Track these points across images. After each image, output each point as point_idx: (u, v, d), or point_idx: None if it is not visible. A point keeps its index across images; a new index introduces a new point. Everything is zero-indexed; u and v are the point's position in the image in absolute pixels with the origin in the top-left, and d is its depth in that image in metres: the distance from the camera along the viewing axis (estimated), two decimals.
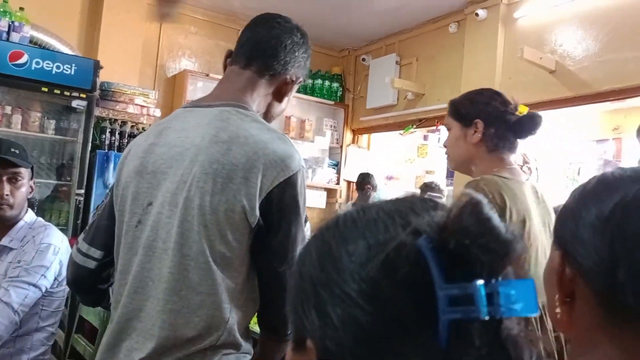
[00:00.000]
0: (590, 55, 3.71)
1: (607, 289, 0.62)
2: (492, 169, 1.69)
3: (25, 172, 2.05)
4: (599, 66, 3.65)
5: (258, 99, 1.32)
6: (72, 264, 1.33)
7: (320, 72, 5.78)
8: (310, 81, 5.70)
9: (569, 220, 0.69)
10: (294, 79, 1.35)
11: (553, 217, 1.71)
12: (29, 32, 3.98)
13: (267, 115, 1.36)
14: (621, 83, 3.51)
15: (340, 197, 5.92)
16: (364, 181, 5.21)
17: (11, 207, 2.01)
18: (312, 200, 5.67)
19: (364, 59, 5.70)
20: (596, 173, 0.73)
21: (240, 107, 1.26)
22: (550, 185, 5.24)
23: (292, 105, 5.69)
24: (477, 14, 4.37)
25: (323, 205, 5.85)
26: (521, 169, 4.24)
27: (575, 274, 0.65)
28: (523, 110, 1.73)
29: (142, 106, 4.37)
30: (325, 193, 5.86)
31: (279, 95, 1.35)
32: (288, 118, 5.58)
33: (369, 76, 5.62)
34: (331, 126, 5.87)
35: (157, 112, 4.45)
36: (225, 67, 1.38)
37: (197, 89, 5.05)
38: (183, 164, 1.18)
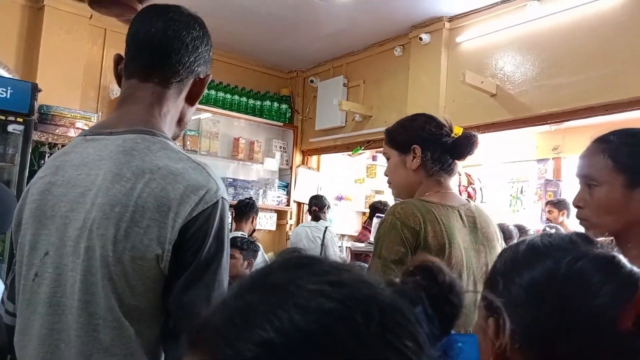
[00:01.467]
0: (528, 79, 3.84)
1: (545, 354, 0.64)
2: (426, 193, 1.69)
3: None
4: (537, 90, 3.77)
5: (169, 113, 1.17)
6: (4, 327, 1.16)
7: (268, 93, 5.78)
8: (259, 102, 5.68)
9: (501, 285, 0.70)
10: (202, 76, 1.20)
11: (494, 242, 1.72)
12: None
13: (181, 123, 1.22)
14: (558, 106, 3.64)
15: (291, 218, 5.90)
16: (312, 204, 5.21)
17: None
18: (262, 223, 5.62)
19: (312, 81, 5.73)
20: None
21: (147, 132, 1.10)
22: (494, 204, 5.37)
23: (241, 126, 5.66)
24: (420, 38, 4.46)
25: (273, 227, 5.81)
26: (466, 189, 4.34)
27: (510, 340, 0.66)
28: (458, 131, 1.73)
29: (83, 130, 4.24)
30: (275, 215, 5.82)
31: (190, 98, 1.20)
32: (237, 139, 5.54)
33: (317, 98, 5.66)
34: (280, 147, 5.86)
35: None
36: (117, 77, 1.20)
37: None
38: (85, 207, 1.03)
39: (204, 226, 1.03)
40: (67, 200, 1.06)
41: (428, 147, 1.71)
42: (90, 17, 4.56)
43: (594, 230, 1.24)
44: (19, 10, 4.51)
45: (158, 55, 1.14)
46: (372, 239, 4.59)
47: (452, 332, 0.50)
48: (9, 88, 3.80)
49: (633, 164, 1.21)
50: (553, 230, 2.87)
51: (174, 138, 1.22)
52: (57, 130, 4.12)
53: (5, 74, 4.10)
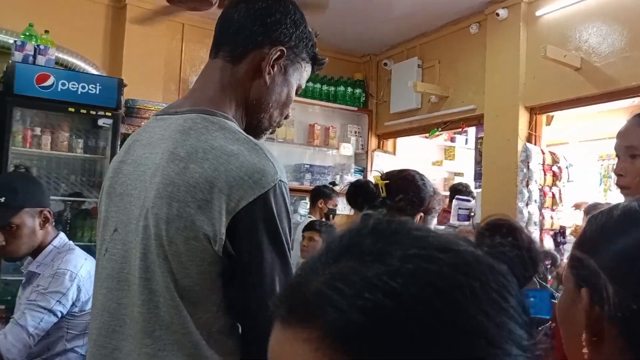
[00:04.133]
0: (615, 51, 3.62)
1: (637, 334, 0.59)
2: None
3: (19, 216, 1.96)
4: (624, 62, 3.55)
5: (234, 92, 1.12)
6: None
7: (342, 78, 5.77)
8: (333, 88, 5.70)
9: (593, 253, 0.65)
10: (277, 44, 1.12)
11: None
12: (54, 54, 4.08)
13: (257, 104, 1.14)
14: None
15: None
16: None
17: (11, 253, 2.00)
18: (340, 207, 5.65)
19: (385, 64, 5.67)
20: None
21: (208, 112, 1.07)
22: (584, 183, 5.12)
23: (316, 113, 5.69)
24: (497, 14, 4.30)
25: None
26: (550, 168, 4.16)
27: (603, 314, 0.61)
28: None
29: None
30: None
31: (258, 73, 1.12)
32: (312, 126, 5.59)
33: (391, 80, 5.59)
34: (356, 132, 5.85)
35: None
36: None
37: None
38: (145, 185, 1.04)
39: (260, 212, 0.99)
40: (133, 179, 1.07)
41: None
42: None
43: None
44: (103, 11, 4.75)
45: (220, 29, 1.14)
46: (452, 221, 4.51)
47: None
48: (98, 84, 4.02)
49: None
50: None
51: (261, 126, 1.17)
52: (142, 123, 4.31)
53: (94, 71, 4.35)
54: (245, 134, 1.08)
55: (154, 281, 1.00)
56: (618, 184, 1.41)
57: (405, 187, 1.54)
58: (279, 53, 1.13)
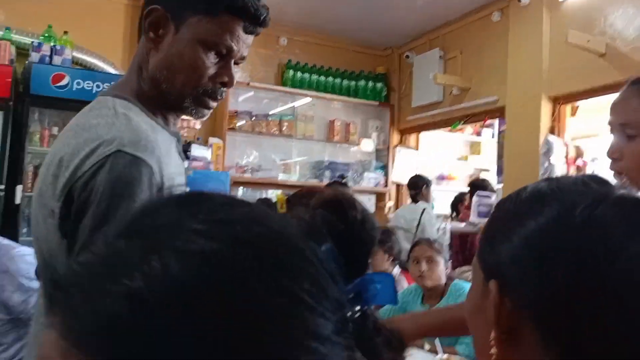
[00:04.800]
0: None
1: (559, 326, 0.51)
2: None
3: None
4: None
5: (136, 67, 1.06)
6: None
7: (363, 72, 5.67)
8: (353, 82, 5.60)
9: (501, 240, 0.57)
10: (152, 3, 1.02)
11: None
12: (70, 54, 4.12)
13: (155, 76, 1.03)
14: None
15: (390, 200, 5.78)
16: (410, 185, 5.00)
17: None
18: None
19: (407, 56, 5.53)
20: None
21: (109, 94, 1.05)
22: (611, 176, 4.86)
23: (336, 108, 5.61)
24: (519, 0, 4.13)
25: (372, 210, 5.72)
26: (574, 162, 3.96)
27: (515, 306, 0.54)
28: None
29: (182, 119, 4.40)
30: (374, 197, 5.73)
31: (148, 36, 1.03)
32: (332, 122, 5.50)
33: (413, 73, 5.45)
34: (377, 128, 5.74)
35: (197, 125, 4.50)
36: None
37: (239, 98, 5.07)
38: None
39: (90, 182, 0.90)
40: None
41: None
42: None
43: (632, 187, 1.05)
44: (122, 10, 4.78)
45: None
46: (472, 218, 4.35)
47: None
48: (112, 83, 4.03)
49: None
50: None
51: (173, 100, 1.05)
52: None
53: (113, 71, 4.38)
54: (124, 110, 0.98)
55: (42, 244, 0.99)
56: (612, 169, 1.16)
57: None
58: (153, 14, 1.02)
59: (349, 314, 0.40)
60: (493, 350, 0.55)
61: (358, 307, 0.44)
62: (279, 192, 4.72)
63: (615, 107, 1.16)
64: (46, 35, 4.16)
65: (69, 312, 0.34)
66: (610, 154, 1.15)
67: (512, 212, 0.57)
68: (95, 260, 0.36)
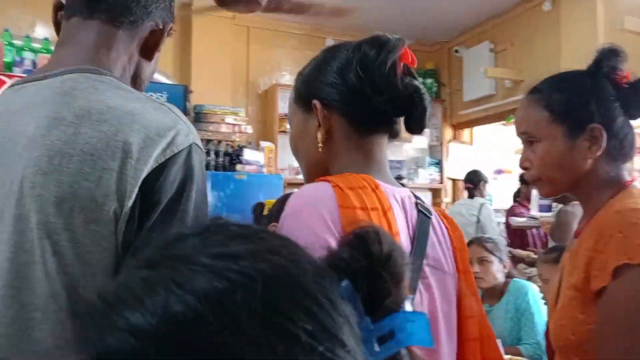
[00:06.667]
0: None
1: (354, 112, 0.97)
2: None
3: None
4: None
5: (119, 60, 0.92)
6: None
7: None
8: None
9: (315, 78, 0.99)
10: (161, 26, 0.95)
11: None
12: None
13: (137, 80, 0.97)
14: None
15: (446, 196, 5.70)
16: (466, 180, 4.92)
17: None
18: None
19: (457, 51, 5.44)
20: None
21: (93, 71, 0.87)
22: None
23: None
24: None
25: None
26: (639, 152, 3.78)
27: (331, 112, 0.97)
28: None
29: (234, 124, 4.54)
30: (430, 193, 5.67)
31: (146, 51, 0.96)
32: None
33: (463, 67, 5.36)
34: (429, 123, 5.66)
35: (249, 129, 4.60)
36: (56, 25, 0.96)
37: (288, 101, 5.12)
38: (12, 166, 0.80)
39: (175, 175, 0.81)
40: None
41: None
42: (234, 17, 4.83)
43: (551, 188, 1.12)
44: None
45: None
46: (533, 212, 4.23)
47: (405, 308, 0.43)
48: (164, 92, 4.19)
49: (569, 112, 1.07)
50: None
51: None
52: (210, 127, 4.45)
53: (164, 80, 4.54)
54: (146, 94, 0.91)
55: (26, 291, 0.77)
56: (527, 179, 1.18)
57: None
58: (169, 30, 0.99)
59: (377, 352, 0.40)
60: (320, 145, 0.96)
61: (391, 347, 0.41)
62: None
63: (516, 118, 1.20)
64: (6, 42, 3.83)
65: (83, 339, 0.37)
66: (521, 164, 1.18)
67: (319, 62, 1.03)
68: (112, 288, 0.39)
